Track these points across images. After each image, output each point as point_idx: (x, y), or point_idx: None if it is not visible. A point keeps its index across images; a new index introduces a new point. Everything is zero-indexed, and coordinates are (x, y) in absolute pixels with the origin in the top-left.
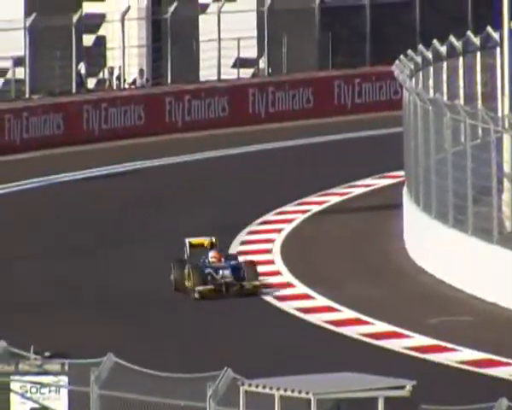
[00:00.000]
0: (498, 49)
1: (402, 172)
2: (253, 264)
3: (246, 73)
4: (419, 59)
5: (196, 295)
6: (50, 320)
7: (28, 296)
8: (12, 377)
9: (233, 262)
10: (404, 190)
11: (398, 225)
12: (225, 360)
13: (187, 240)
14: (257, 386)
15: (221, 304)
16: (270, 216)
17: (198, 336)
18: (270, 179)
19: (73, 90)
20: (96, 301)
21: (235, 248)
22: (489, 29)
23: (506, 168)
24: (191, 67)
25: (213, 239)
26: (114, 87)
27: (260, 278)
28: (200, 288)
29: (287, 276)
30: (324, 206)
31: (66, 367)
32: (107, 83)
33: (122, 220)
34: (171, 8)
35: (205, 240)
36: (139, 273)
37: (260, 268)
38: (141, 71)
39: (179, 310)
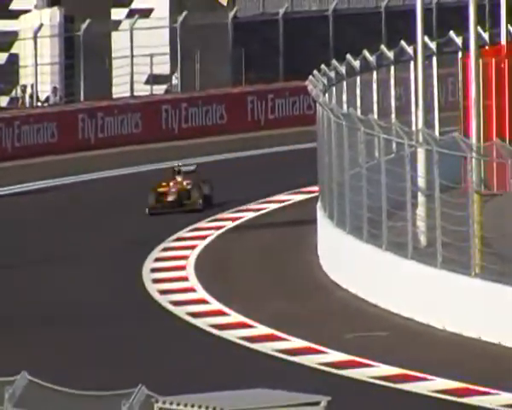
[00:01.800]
0: (412, 63)
1: (316, 187)
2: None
3: (159, 89)
4: (332, 74)
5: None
6: None
7: None
8: None
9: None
10: (319, 204)
11: (312, 240)
12: (139, 377)
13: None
14: (171, 403)
15: (138, 318)
16: (183, 233)
17: (111, 353)
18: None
19: None
20: (14, 317)
21: (148, 264)
22: (403, 43)
23: (420, 183)
24: (104, 83)
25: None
26: (27, 105)
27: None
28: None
29: (201, 292)
30: (238, 222)
31: None
32: (20, 101)
33: (33, 238)
34: (84, 25)
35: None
36: (61, 287)
37: (174, 285)
38: (54, 88)
39: (92, 327)
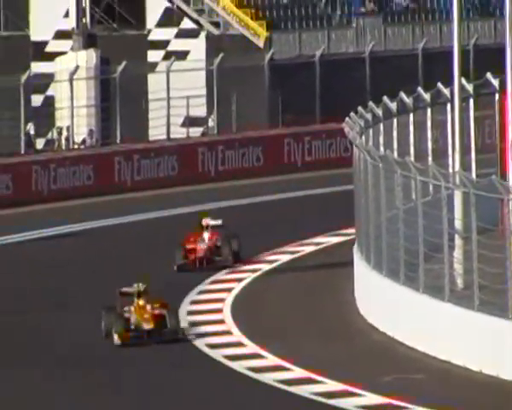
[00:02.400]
0: (449, 105)
1: (353, 230)
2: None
3: (195, 131)
4: (369, 116)
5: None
6: None
7: None
8: None
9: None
10: (355, 247)
11: (349, 282)
12: None
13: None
14: None
15: (174, 362)
16: (220, 275)
17: (148, 398)
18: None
19: (22, 151)
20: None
21: (185, 307)
22: (439, 85)
23: (457, 225)
24: (140, 126)
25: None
26: (63, 147)
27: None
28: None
29: (237, 335)
30: (275, 264)
31: None
32: (56, 143)
33: (67, 282)
34: (120, 67)
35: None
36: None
37: (210, 328)
38: (90, 131)
39: (130, 369)
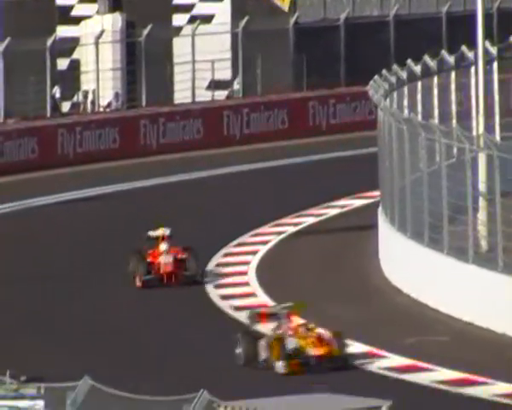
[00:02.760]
0: (473, 68)
1: (377, 192)
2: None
3: (220, 94)
4: (393, 79)
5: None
6: (25, 346)
7: (1, 321)
8: None
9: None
10: (380, 209)
11: (373, 245)
12: (199, 381)
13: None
14: (233, 408)
15: (199, 324)
16: (245, 238)
17: (174, 358)
18: (245, 201)
19: (48, 114)
20: (69, 327)
21: (211, 269)
22: (463, 48)
23: (481, 187)
24: (166, 89)
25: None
26: (89, 110)
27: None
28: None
29: (262, 297)
30: (300, 227)
31: (42, 391)
32: (82, 106)
33: (95, 245)
34: (146, 31)
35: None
36: (111, 301)
37: (235, 290)
38: (116, 94)
39: (155, 332)
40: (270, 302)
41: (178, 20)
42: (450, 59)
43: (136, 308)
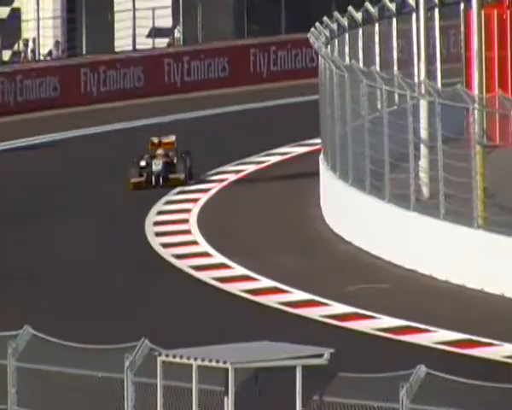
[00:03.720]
0: (414, 15)
1: (318, 140)
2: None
3: (161, 42)
4: (335, 26)
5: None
6: None
7: None
8: None
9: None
10: (321, 157)
11: (315, 192)
12: (142, 329)
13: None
14: (174, 356)
15: (140, 276)
16: (186, 186)
17: (114, 306)
18: (186, 149)
19: None
20: (22, 272)
21: (151, 218)
22: None
23: (423, 134)
24: (106, 37)
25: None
26: (29, 59)
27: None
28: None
29: (204, 246)
30: (241, 175)
31: None
32: (23, 55)
33: (33, 195)
34: None
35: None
36: (65, 244)
37: (177, 238)
38: (56, 42)
39: (96, 280)
40: (212, 251)
41: None
42: (392, 6)
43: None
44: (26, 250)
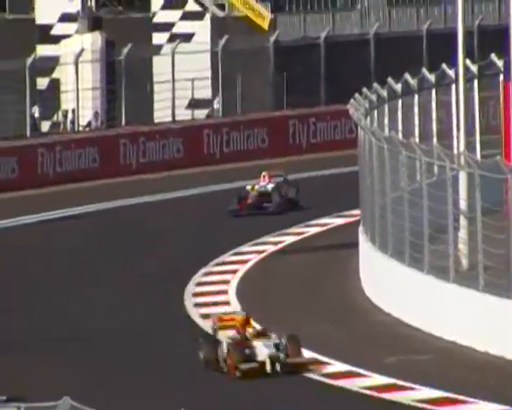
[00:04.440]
0: (454, 87)
1: (358, 211)
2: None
3: (200, 113)
4: (374, 97)
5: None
6: (8, 362)
7: None
8: None
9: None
10: (360, 228)
11: (354, 263)
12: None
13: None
14: None
15: (179, 341)
16: (225, 257)
17: (153, 377)
18: (225, 220)
19: (27, 134)
20: (59, 342)
21: (190, 289)
22: (444, 66)
23: (462, 205)
24: (146, 108)
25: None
26: (68, 130)
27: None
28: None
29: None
30: (280, 246)
31: None
32: (62, 126)
33: (77, 262)
34: (126, 50)
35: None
36: (101, 313)
37: (215, 310)
38: (95, 113)
39: (134, 351)
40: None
41: (158, 38)
42: (431, 77)
43: (127, 321)
44: (68, 316)
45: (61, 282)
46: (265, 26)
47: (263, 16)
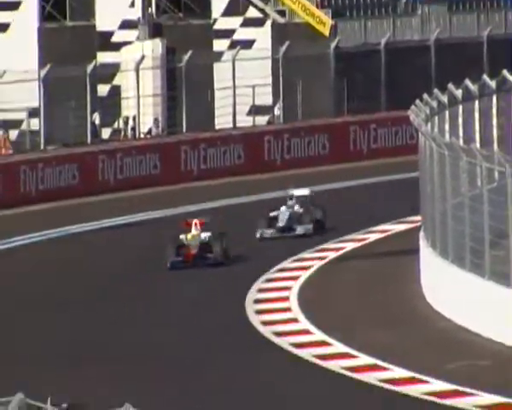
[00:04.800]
0: None
1: (419, 217)
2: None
3: (261, 120)
4: (434, 103)
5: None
6: (66, 373)
7: (40, 349)
8: None
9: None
10: (421, 234)
11: (415, 269)
12: (246, 406)
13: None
14: None
15: (241, 349)
16: (287, 263)
17: (216, 383)
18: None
19: (88, 141)
20: (107, 355)
21: (252, 295)
22: (505, 72)
23: None
24: (206, 115)
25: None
26: (129, 137)
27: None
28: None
29: (304, 323)
30: (341, 252)
31: None
32: (122, 133)
33: (131, 274)
34: (186, 57)
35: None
36: (143, 328)
37: (277, 316)
38: (156, 120)
39: (198, 357)
40: (312, 328)
41: (219, 45)
42: (492, 83)
43: (179, 332)
44: (138, 327)
45: (129, 290)
46: (326, 32)
47: (323, 22)
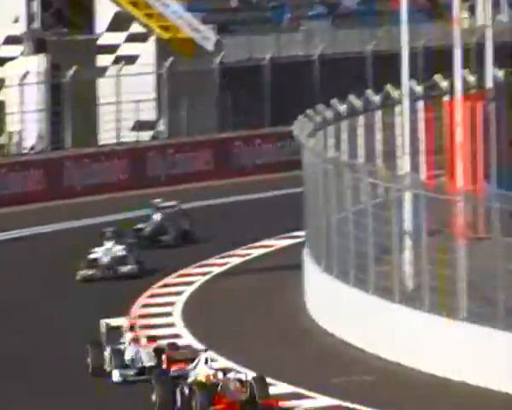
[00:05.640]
0: (398, 107)
1: (302, 233)
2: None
3: (145, 135)
4: (319, 118)
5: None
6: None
7: None
8: None
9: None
10: (305, 250)
11: (299, 285)
12: None
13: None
14: None
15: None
16: (170, 279)
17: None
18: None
19: None
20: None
21: (136, 311)
22: (388, 87)
23: (407, 226)
24: (91, 130)
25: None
26: (14, 152)
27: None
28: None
29: (188, 339)
30: (225, 267)
31: None
32: (6, 148)
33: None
34: (70, 72)
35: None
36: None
37: (160, 331)
38: (39, 136)
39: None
40: (196, 344)
41: (103, 60)
42: (376, 98)
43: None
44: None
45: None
46: (210, 47)
47: (207, 38)
